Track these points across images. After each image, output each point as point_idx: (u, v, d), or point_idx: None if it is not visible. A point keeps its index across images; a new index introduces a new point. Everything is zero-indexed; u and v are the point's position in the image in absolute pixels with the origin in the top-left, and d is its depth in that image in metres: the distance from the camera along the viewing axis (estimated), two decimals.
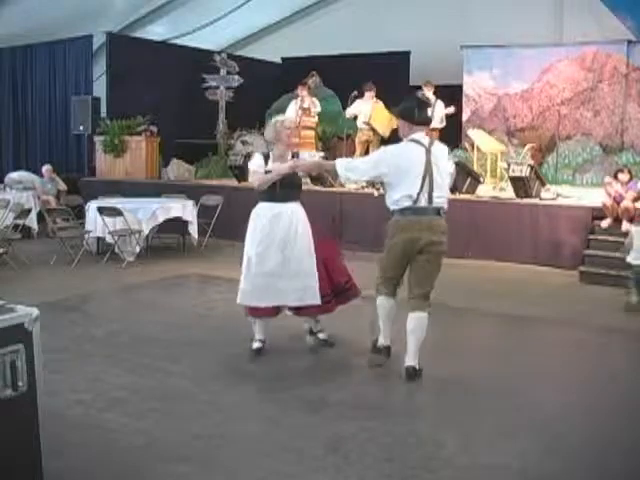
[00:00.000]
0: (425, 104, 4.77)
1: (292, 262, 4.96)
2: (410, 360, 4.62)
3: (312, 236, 5.06)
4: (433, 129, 10.75)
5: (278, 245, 4.99)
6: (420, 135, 4.59)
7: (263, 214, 5.12)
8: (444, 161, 4.70)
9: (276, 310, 5.18)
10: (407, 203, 4.51)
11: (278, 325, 5.37)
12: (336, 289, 5.16)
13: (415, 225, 4.53)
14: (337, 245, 5.55)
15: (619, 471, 3.49)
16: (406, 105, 4.66)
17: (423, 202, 4.50)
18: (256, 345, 5.19)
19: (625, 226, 7.91)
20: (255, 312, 5.15)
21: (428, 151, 4.51)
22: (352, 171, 4.75)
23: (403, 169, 4.51)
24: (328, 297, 5.08)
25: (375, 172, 4.70)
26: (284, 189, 5.01)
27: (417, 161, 4.49)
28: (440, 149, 4.67)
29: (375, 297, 4.84)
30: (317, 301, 5.00)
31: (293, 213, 5.07)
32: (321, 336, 5.34)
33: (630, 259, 6.86)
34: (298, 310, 5.17)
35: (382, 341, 4.90)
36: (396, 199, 4.56)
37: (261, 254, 5.02)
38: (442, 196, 4.58)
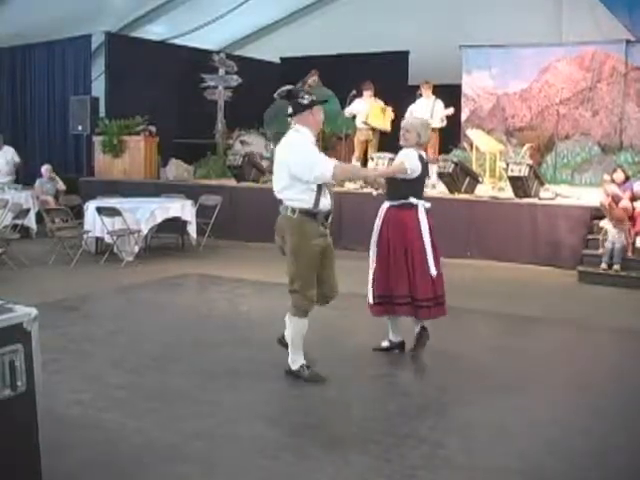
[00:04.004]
0: (290, 96, 4.55)
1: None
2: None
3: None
4: (433, 129, 10.76)
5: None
6: (292, 128, 4.58)
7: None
8: (282, 153, 4.50)
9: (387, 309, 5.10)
10: None
11: (282, 325, 5.35)
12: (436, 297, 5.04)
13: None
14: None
15: (619, 471, 3.49)
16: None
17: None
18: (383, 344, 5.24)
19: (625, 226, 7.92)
20: (371, 309, 5.15)
21: (276, 145, 4.61)
22: None
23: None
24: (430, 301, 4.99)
25: None
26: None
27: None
28: (283, 141, 4.53)
29: (294, 314, 4.63)
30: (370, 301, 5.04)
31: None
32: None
33: None
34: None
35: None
36: None
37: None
38: (277, 190, 4.52)
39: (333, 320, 5.64)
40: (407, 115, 10.84)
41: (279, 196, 4.53)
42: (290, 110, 4.53)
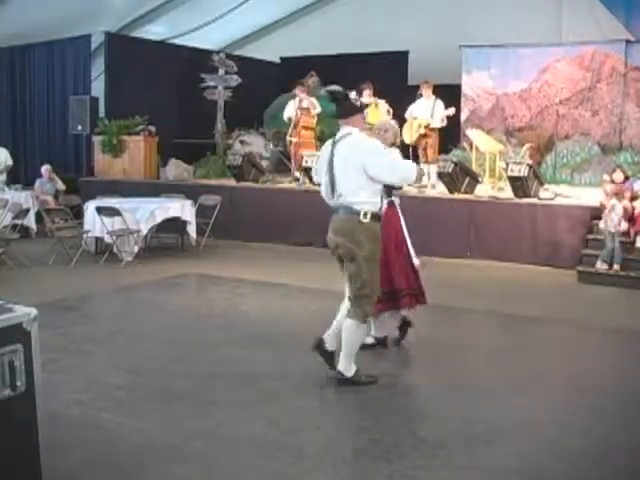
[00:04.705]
0: (338, 98, 4.51)
1: None
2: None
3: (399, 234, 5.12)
4: (433, 129, 10.76)
5: None
6: (342, 129, 4.48)
7: None
8: (352, 155, 4.33)
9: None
10: (329, 202, 4.50)
11: (282, 325, 5.35)
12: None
13: (330, 224, 4.47)
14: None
15: (619, 471, 3.49)
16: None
17: (335, 200, 4.41)
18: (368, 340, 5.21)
19: (624, 226, 7.92)
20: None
21: (333, 147, 4.41)
22: (314, 174, 4.86)
23: (319, 168, 4.56)
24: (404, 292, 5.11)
25: (316, 174, 4.75)
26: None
27: (324, 158, 4.49)
28: (347, 143, 4.37)
29: (360, 320, 4.45)
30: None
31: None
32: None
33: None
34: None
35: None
36: None
37: None
38: (342, 194, 4.34)
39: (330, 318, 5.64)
40: (407, 115, 10.85)
41: (346, 199, 4.32)
42: (340, 111, 4.49)
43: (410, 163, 4.63)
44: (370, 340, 5.24)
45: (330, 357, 4.59)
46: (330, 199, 4.45)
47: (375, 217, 4.35)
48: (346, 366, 4.48)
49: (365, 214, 4.30)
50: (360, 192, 4.31)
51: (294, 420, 4.00)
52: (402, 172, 4.43)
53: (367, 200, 4.32)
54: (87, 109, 12.64)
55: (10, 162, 11.77)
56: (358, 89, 10.89)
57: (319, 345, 4.60)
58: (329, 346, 4.59)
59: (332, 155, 4.37)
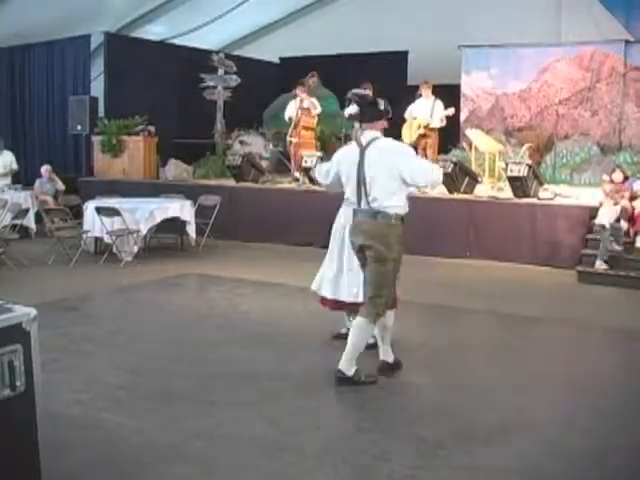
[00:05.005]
0: (367, 101, 4.52)
1: (351, 259, 4.98)
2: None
3: None
4: (432, 129, 10.77)
5: (340, 240, 5.08)
6: (367, 134, 4.48)
7: (342, 210, 5.13)
8: (387, 160, 4.36)
9: (337, 304, 5.20)
10: (353, 205, 4.53)
11: (282, 324, 5.36)
12: None
13: (356, 228, 4.49)
14: None
15: (619, 471, 3.49)
16: (351, 108, 4.58)
17: (363, 204, 4.42)
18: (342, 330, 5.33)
19: (624, 226, 7.92)
20: (321, 302, 5.29)
21: (362, 151, 4.41)
22: (319, 175, 4.81)
23: (342, 171, 4.53)
24: None
25: (329, 176, 4.71)
26: None
27: (351, 162, 4.45)
28: (380, 148, 4.40)
29: (371, 320, 4.50)
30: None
31: None
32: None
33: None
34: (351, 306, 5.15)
35: (385, 358, 4.81)
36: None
37: (330, 249, 5.21)
38: (377, 199, 4.35)
39: (329, 318, 5.64)
40: (406, 115, 10.85)
41: (382, 204, 4.34)
42: (365, 115, 4.48)
43: (438, 167, 4.75)
44: (344, 330, 5.33)
45: (397, 366, 4.75)
46: (357, 203, 4.44)
47: (402, 220, 4.42)
48: (347, 365, 4.49)
49: (396, 217, 4.37)
50: (392, 196, 4.36)
51: (294, 420, 4.00)
52: (433, 175, 4.53)
53: (398, 204, 4.39)
54: (87, 109, 12.64)
55: (15, 166, 11.63)
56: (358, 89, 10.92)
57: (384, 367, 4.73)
58: (387, 358, 4.77)
59: (362, 159, 4.38)
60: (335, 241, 5.17)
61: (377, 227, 4.37)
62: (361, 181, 4.37)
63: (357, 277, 4.82)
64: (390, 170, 4.33)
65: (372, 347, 5.10)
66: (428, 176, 4.48)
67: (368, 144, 4.40)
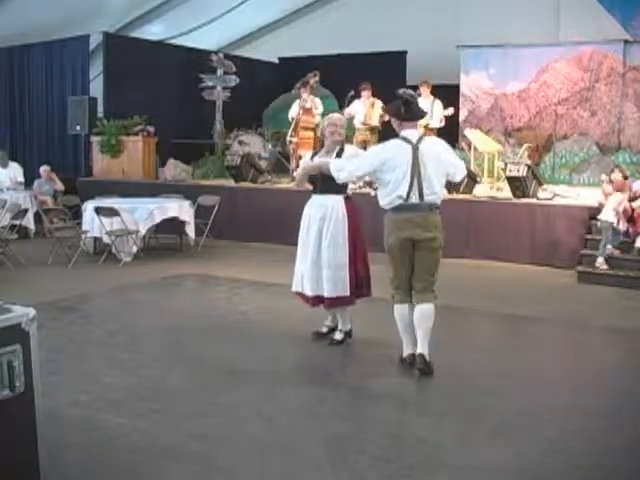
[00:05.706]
0: (410, 100, 4.69)
1: (325, 253, 5.13)
2: (420, 348, 4.68)
3: (353, 229, 5.20)
4: (431, 129, 10.76)
5: (315, 236, 5.18)
6: (409, 132, 4.65)
7: (308, 205, 5.35)
8: (439, 156, 4.65)
9: (318, 300, 5.27)
10: (399, 201, 4.58)
11: (281, 325, 5.35)
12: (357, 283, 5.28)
13: (409, 223, 4.58)
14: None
15: (618, 471, 3.48)
16: (393, 103, 4.75)
17: (414, 199, 4.56)
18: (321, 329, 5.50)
19: (623, 226, 7.92)
20: (300, 298, 5.39)
21: (415, 148, 4.55)
22: (341, 171, 4.81)
23: (390, 167, 4.57)
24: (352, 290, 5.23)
25: (360, 172, 4.81)
26: (325, 183, 5.12)
27: (403, 159, 4.54)
28: (431, 145, 4.67)
29: (391, 305, 4.81)
30: (346, 293, 5.15)
31: (331, 205, 5.20)
32: (336, 336, 5.41)
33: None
34: (330, 301, 5.24)
35: (408, 351, 4.83)
36: (387, 197, 4.63)
37: (302, 244, 5.30)
38: (434, 192, 4.61)
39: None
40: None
41: (435, 197, 4.62)
42: (410, 114, 4.69)
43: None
44: (324, 330, 5.49)
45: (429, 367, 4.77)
46: (406, 198, 4.55)
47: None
48: (428, 350, 4.68)
49: (438, 207, 4.69)
50: (441, 189, 4.74)
51: (294, 420, 4.00)
52: (465, 171, 4.87)
53: (441, 196, 4.72)
54: (85, 109, 12.63)
55: (21, 179, 11.51)
56: (356, 91, 10.93)
57: (416, 362, 4.73)
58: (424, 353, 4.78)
59: (416, 157, 4.53)
60: (309, 236, 5.24)
61: (435, 218, 4.65)
62: (415, 177, 4.53)
63: (337, 272, 5.06)
64: (442, 165, 4.63)
65: (323, 336, 5.35)
66: (463, 173, 4.84)
67: (419, 141, 4.60)
